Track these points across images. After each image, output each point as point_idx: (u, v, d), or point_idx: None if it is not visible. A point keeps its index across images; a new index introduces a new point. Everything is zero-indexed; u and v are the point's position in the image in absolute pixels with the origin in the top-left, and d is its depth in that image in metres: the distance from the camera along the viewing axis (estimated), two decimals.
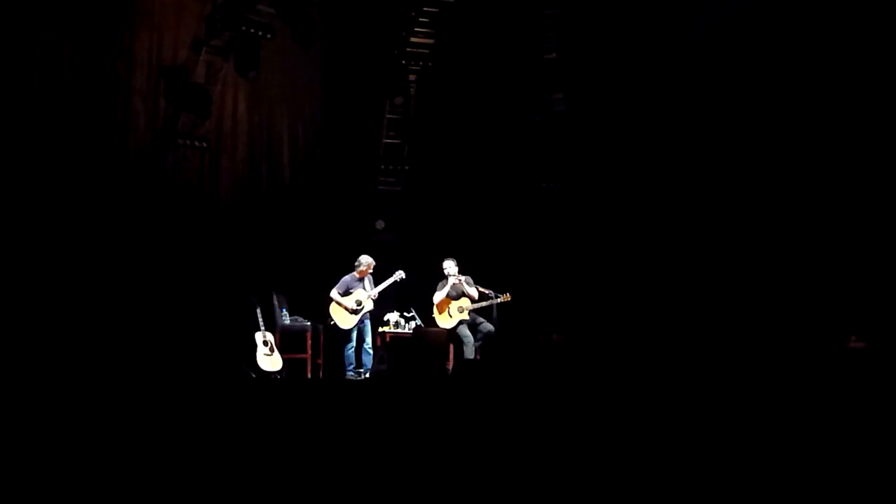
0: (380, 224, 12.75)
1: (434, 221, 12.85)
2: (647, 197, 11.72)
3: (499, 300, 10.83)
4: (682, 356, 9.94)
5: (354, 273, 11.26)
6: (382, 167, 12.96)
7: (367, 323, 11.29)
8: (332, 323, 11.17)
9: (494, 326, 11.02)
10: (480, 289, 11.02)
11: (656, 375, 8.55)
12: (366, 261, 11.23)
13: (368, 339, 11.28)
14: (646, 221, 11.67)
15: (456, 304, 11.01)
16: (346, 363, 11.15)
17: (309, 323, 11.46)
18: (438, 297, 11.08)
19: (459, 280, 11.01)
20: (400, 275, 11.23)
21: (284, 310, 11.40)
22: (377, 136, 12.86)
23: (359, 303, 11.09)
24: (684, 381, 7.97)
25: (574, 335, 11.38)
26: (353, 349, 11.20)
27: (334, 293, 11.16)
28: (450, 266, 11.11)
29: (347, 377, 10.99)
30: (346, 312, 11.12)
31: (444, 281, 11.12)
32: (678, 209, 11.45)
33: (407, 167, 12.97)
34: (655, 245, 11.53)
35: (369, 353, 11.25)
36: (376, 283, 11.28)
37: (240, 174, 12.10)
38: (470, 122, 12.70)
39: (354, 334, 11.18)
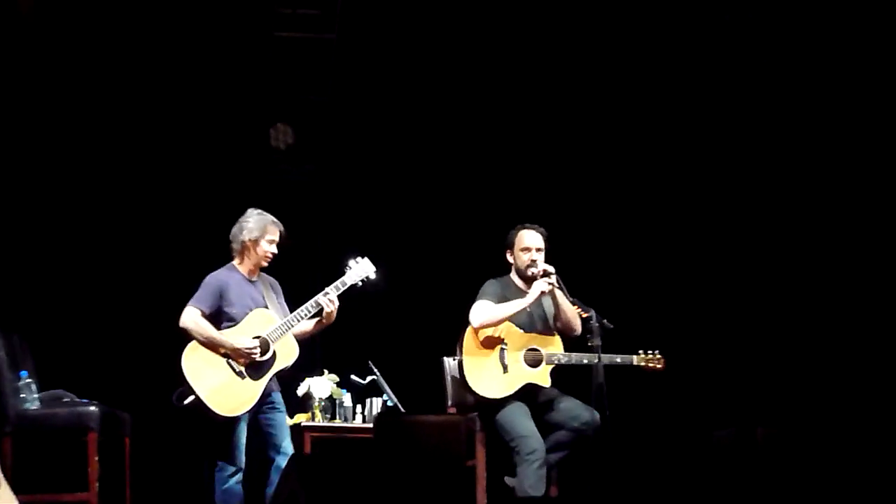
0: (279, 137, 6.56)
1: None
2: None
3: (631, 363, 5.11)
4: None
5: (234, 263, 5.01)
6: None
7: (278, 398, 5.00)
8: (189, 403, 4.69)
9: (600, 409, 5.05)
10: (582, 310, 5.07)
11: None
12: (257, 223, 4.94)
13: (287, 444, 5.01)
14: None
15: (531, 345, 5.03)
16: None
17: (95, 408, 5.13)
18: (489, 315, 4.99)
19: (559, 284, 5.00)
20: (367, 270, 5.07)
21: (25, 374, 5.26)
22: None
23: (264, 344, 4.75)
24: None
25: (800, 426, 5.97)
26: (239, 476, 4.74)
27: (193, 319, 4.77)
28: (534, 239, 5.13)
29: None
30: (229, 371, 4.74)
31: (504, 279, 5.20)
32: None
33: None
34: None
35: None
36: (315, 288, 5.17)
37: None
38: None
39: (243, 432, 4.76)
